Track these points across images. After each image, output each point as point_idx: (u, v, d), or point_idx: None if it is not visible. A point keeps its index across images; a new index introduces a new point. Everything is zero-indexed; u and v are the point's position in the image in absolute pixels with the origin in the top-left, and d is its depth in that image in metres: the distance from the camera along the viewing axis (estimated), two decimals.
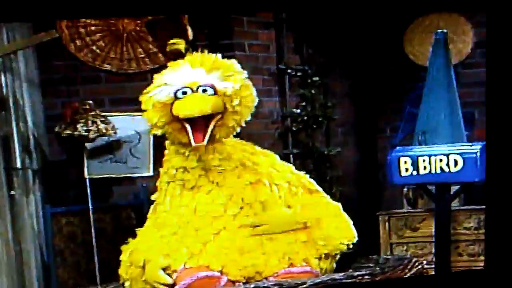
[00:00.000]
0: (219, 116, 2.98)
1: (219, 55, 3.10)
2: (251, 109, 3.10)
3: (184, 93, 2.98)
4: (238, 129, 3.09)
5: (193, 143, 2.93)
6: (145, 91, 3.07)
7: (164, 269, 2.89)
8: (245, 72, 3.10)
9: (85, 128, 3.82)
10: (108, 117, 3.96)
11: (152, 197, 3.18)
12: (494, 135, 2.69)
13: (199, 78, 3.00)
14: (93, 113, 3.90)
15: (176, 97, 2.98)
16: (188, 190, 3.05)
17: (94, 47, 4.30)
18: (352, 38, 5.01)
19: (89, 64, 4.29)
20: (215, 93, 2.98)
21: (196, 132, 2.93)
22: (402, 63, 5.01)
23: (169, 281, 2.88)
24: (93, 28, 4.28)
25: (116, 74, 4.31)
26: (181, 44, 3.14)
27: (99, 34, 4.29)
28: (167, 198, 3.08)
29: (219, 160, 3.04)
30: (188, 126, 2.92)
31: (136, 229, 3.13)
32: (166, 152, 3.16)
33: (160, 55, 4.28)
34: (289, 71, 4.76)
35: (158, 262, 2.89)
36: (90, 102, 3.95)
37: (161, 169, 3.17)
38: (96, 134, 3.85)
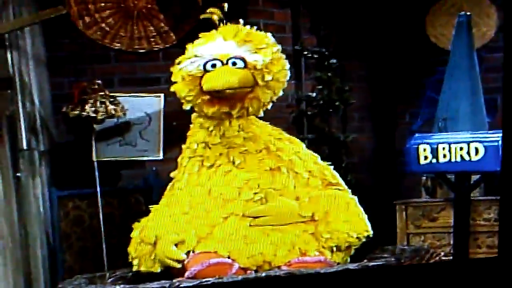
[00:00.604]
0: (249, 89, 3.00)
1: (255, 27, 3.12)
2: (283, 84, 3.12)
3: (214, 65, 3.01)
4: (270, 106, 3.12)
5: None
6: (176, 61, 3.11)
7: (176, 245, 2.91)
8: (279, 45, 3.12)
9: (93, 108, 3.81)
10: (117, 98, 3.94)
11: (171, 174, 3.21)
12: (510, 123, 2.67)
13: (229, 50, 3.02)
14: (102, 93, 3.88)
15: (205, 70, 3.02)
16: (207, 168, 3.06)
17: (103, 25, 4.27)
18: (372, 18, 4.98)
19: (98, 42, 4.29)
20: (246, 66, 3.00)
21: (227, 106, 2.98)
22: (423, 46, 4.97)
23: (182, 256, 2.89)
24: (102, 4, 4.26)
25: (126, 53, 4.30)
26: (215, 14, 3.16)
27: (109, 11, 4.27)
28: (185, 175, 3.10)
29: (243, 139, 3.06)
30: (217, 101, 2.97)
31: (149, 207, 3.16)
32: (191, 126, 3.19)
33: (171, 34, 4.27)
34: (305, 52, 4.73)
35: (170, 238, 2.91)
36: (99, 81, 3.93)
37: (183, 145, 3.20)
38: (105, 115, 3.83)
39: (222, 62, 3.01)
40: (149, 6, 4.27)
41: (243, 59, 3.00)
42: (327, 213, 2.98)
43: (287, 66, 3.12)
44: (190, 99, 3.05)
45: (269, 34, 3.13)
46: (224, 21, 3.16)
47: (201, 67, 3.02)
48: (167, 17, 4.23)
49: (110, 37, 4.27)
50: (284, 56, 3.13)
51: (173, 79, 3.09)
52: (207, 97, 3.01)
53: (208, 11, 3.20)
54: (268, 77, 3.01)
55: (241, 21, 3.15)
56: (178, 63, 3.09)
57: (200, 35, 3.15)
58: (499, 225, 2.89)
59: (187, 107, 3.10)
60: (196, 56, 3.04)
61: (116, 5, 4.27)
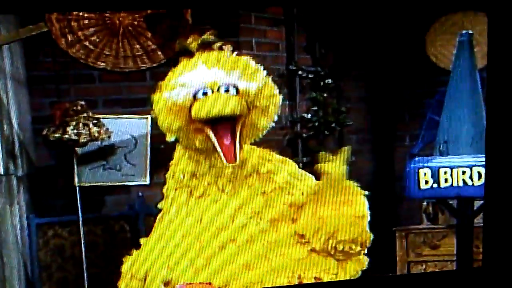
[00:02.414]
0: (243, 118, 3.02)
1: (235, 53, 3.14)
2: (277, 109, 3.14)
3: (205, 93, 3.02)
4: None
5: (225, 163, 2.97)
6: (158, 90, 3.10)
7: (166, 284, 2.92)
8: (263, 68, 3.14)
9: (75, 131, 3.81)
10: (101, 120, 3.94)
11: (159, 206, 3.21)
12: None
13: (219, 78, 3.04)
14: (84, 115, 3.88)
15: (194, 99, 3.03)
16: (196, 198, 3.07)
17: (87, 43, 4.29)
18: (369, 37, 5.01)
19: (81, 61, 4.29)
20: (238, 93, 3.02)
21: (223, 140, 2.98)
22: (423, 66, 5.00)
23: None
24: (86, 21, 4.27)
25: (111, 73, 4.31)
26: (192, 44, 3.17)
27: (93, 29, 4.29)
28: (173, 207, 3.10)
29: (231, 167, 3.07)
30: (211, 133, 2.96)
31: (140, 240, 3.16)
32: (175, 154, 3.19)
33: (159, 52, 4.28)
34: (299, 72, 4.76)
35: (160, 275, 2.91)
36: (82, 102, 3.93)
37: (167, 174, 3.19)
38: (88, 138, 3.84)
39: (212, 90, 3.02)
40: (136, 23, 4.28)
41: (235, 86, 3.02)
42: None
43: (277, 90, 3.15)
44: (176, 130, 3.04)
45: (249, 58, 3.14)
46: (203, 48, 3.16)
47: (190, 96, 3.02)
48: (154, 35, 4.24)
49: (94, 56, 4.28)
50: (270, 79, 3.15)
51: (155, 107, 3.09)
52: (199, 125, 3.01)
53: (187, 41, 3.20)
54: (265, 102, 3.03)
55: (217, 45, 3.15)
56: (159, 92, 3.09)
57: (180, 62, 3.16)
58: (483, 236, 2.94)
59: (171, 138, 3.09)
60: (181, 85, 3.04)
61: (100, 22, 4.27)
